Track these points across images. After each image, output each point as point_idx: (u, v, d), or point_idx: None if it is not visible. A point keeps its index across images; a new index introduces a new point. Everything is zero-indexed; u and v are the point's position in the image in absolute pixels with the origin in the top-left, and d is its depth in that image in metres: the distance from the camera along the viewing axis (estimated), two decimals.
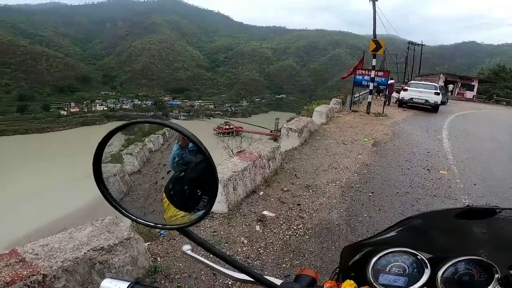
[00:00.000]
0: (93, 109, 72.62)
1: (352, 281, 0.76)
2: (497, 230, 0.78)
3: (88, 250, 1.98)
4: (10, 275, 1.65)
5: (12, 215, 19.40)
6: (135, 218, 0.51)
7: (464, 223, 0.77)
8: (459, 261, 0.72)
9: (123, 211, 0.51)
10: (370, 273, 0.73)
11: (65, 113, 67.97)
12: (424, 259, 0.73)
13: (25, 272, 1.69)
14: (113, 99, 78.81)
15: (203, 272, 2.50)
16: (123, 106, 77.52)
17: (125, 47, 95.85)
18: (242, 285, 2.33)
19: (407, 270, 0.74)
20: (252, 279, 0.59)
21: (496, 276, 0.72)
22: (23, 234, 10.88)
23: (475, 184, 5.14)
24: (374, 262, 0.74)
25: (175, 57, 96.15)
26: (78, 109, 70.32)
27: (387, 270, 0.74)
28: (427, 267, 0.73)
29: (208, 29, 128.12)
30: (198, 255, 0.70)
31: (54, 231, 2.27)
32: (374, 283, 0.73)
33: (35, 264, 1.77)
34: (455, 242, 0.81)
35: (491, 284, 0.73)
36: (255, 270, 0.58)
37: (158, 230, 3.11)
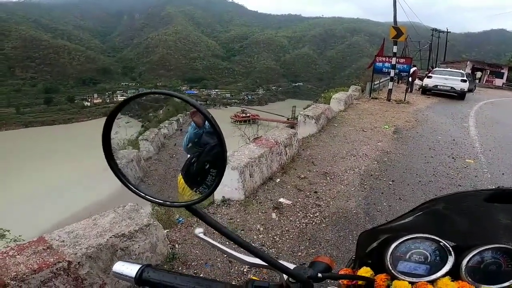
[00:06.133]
0: (115, 99, 74.61)
1: (368, 268, 0.72)
2: None
3: (111, 237, 1.98)
4: (38, 262, 1.67)
5: (47, 203, 20.34)
6: (143, 195, 0.51)
7: (493, 207, 0.71)
8: (485, 249, 0.67)
9: (132, 187, 0.51)
10: (388, 260, 0.69)
11: (88, 104, 70.52)
12: (448, 246, 0.68)
13: (51, 260, 1.71)
14: (133, 89, 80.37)
15: (219, 259, 2.52)
16: None
17: (142, 39, 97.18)
18: (257, 271, 2.34)
19: (429, 258, 0.69)
20: (265, 263, 0.56)
21: None
22: (53, 222, 11.46)
23: (503, 173, 4.88)
24: (393, 249, 0.69)
25: (191, 47, 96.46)
26: (101, 100, 72.87)
27: (407, 257, 0.70)
28: (451, 255, 0.68)
29: (222, 19, 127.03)
30: (212, 239, 0.68)
31: (83, 218, 2.30)
32: (392, 271, 0.69)
33: (61, 251, 1.79)
34: (482, 228, 0.75)
35: None
36: (268, 254, 0.56)
37: (177, 217, 3.18)
